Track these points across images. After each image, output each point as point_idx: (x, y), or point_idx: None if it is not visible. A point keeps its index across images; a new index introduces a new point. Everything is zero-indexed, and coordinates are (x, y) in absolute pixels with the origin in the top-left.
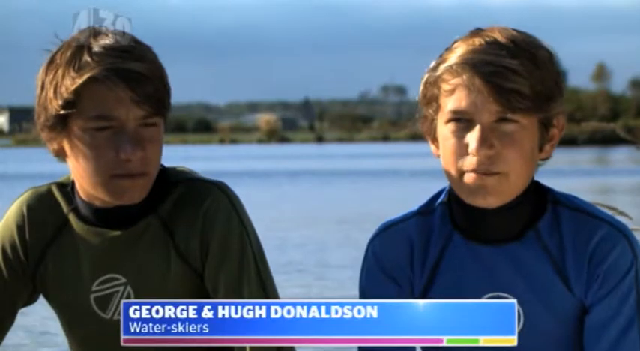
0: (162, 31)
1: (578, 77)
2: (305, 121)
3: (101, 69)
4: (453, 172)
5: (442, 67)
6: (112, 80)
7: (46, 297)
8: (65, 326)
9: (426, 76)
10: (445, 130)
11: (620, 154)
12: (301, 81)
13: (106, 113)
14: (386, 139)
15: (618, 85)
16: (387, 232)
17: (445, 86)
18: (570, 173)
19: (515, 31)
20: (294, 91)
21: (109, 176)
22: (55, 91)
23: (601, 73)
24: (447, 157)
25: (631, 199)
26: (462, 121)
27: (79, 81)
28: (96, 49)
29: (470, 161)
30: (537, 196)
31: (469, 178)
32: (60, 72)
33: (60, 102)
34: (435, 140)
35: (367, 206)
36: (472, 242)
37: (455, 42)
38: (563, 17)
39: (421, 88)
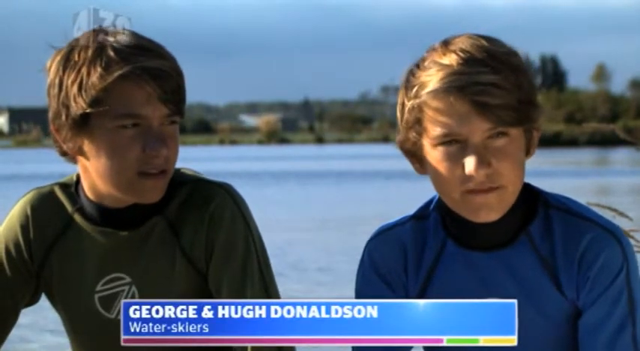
0: (161, 31)
1: (578, 78)
2: (305, 121)
3: (131, 67)
4: (451, 193)
5: (424, 92)
6: (142, 78)
7: (50, 297)
8: (68, 326)
9: (408, 103)
10: (436, 154)
11: (620, 155)
12: (301, 81)
13: (134, 111)
14: (386, 139)
15: (618, 85)
16: (383, 236)
17: (430, 112)
18: (571, 174)
19: (484, 39)
20: (293, 92)
21: (134, 173)
22: (80, 90)
23: (601, 73)
24: (441, 179)
25: (631, 200)
26: (454, 142)
27: (109, 78)
28: (119, 46)
29: (469, 181)
30: (528, 199)
31: (470, 197)
32: (84, 70)
33: (87, 100)
34: (418, 159)
35: (367, 208)
36: (465, 249)
37: (424, 60)
38: (563, 18)
39: (402, 113)
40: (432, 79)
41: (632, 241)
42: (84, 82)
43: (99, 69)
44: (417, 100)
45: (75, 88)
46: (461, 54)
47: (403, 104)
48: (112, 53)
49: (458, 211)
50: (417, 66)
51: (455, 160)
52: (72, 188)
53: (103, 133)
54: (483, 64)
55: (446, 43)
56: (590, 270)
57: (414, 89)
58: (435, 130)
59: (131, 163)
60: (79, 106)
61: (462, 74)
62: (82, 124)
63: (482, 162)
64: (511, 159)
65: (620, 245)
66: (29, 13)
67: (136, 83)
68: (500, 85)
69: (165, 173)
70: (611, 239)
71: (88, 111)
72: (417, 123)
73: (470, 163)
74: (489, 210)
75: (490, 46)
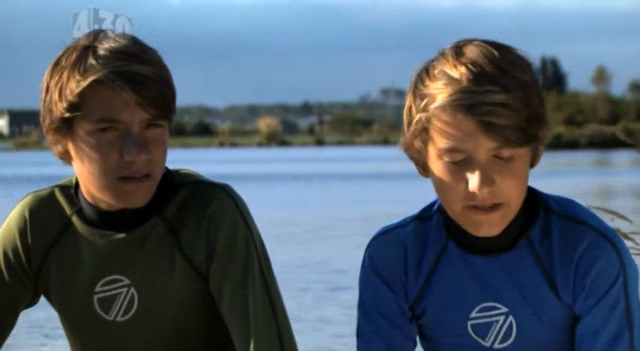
0: (161, 32)
1: (578, 80)
2: (305, 123)
3: (106, 72)
4: (453, 206)
5: (433, 106)
6: (116, 83)
7: (49, 299)
8: (67, 328)
9: (417, 115)
10: (440, 166)
11: (620, 157)
12: (301, 84)
13: (111, 116)
14: (386, 142)
15: (618, 87)
16: (384, 237)
17: (437, 124)
18: (571, 176)
19: (494, 47)
20: (294, 94)
21: (114, 178)
22: (60, 94)
23: (601, 76)
24: (444, 192)
25: (631, 202)
26: (459, 156)
27: (84, 84)
28: (101, 51)
29: (471, 198)
30: (529, 203)
31: (472, 213)
32: (65, 75)
33: (65, 105)
34: (422, 165)
35: (368, 209)
36: (466, 252)
37: (434, 67)
38: (562, 20)
39: (409, 118)
40: (440, 93)
41: (632, 244)
42: (63, 86)
43: (77, 74)
44: (425, 114)
45: (57, 93)
46: (471, 68)
47: (410, 110)
48: (91, 58)
49: (460, 224)
50: (427, 72)
51: (459, 175)
52: (71, 190)
53: (84, 137)
54: (493, 81)
55: (457, 52)
56: (586, 277)
57: (423, 102)
58: (441, 142)
59: (110, 168)
60: (58, 110)
61: (471, 92)
62: (65, 128)
63: (485, 180)
64: (516, 177)
65: (616, 251)
66: (29, 15)
67: (111, 88)
68: (509, 104)
69: (149, 177)
70: (608, 245)
71: (66, 116)
72: (424, 132)
73: (473, 181)
74: (491, 226)
75: (501, 59)
